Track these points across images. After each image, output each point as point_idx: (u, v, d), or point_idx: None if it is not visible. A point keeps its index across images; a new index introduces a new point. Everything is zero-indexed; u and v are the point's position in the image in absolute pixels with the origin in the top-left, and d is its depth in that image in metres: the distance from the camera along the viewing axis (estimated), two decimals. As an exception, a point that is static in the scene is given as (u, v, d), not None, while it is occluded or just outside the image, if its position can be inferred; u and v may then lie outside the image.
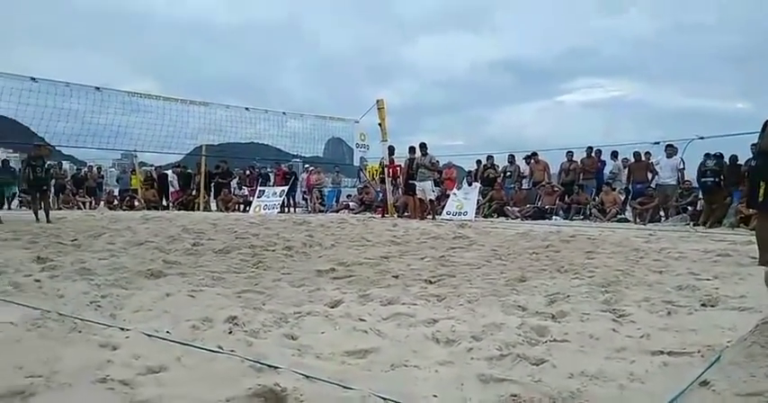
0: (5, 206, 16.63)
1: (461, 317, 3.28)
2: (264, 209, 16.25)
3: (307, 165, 20.35)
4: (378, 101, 15.20)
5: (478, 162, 17.04)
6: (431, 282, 4.49)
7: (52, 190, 14.93)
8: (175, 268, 5.05)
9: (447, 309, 3.51)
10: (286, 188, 17.18)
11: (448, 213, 13.95)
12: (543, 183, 15.09)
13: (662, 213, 13.17)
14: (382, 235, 8.61)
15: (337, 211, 17.14)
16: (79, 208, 17.58)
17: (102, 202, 19.00)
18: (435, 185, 14.37)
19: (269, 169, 19.67)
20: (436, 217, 13.60)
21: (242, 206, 17.82)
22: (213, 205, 18.17)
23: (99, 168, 22.36)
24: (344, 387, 2.15)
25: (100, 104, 14.82)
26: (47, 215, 10.89)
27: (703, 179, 12.05)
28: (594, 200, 13.80)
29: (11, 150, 30.98)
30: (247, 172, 19.48)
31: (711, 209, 11.62)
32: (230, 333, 2.92)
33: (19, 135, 19.92)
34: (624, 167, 14.60)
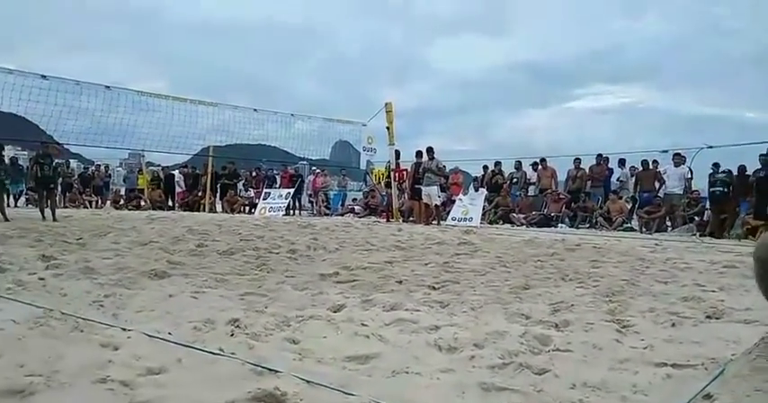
0: (13, 203, 16.75)
1: (464, 324, 3.27)
2: (270, 211, 16.27)
3: (313, 168, 20.37)
4: (386, 104, 15.20)
5: (485, 167, 16.99)
6: (434, 288, 4.48)
7: (59, 188, 14.98)
8: (179, 269, 5.06)
9: (450, 316, 3.50)
10: (292, 190, 17.20)
11: (453, 219, 13.92)
12: (550, 190, 15.04)
13: (668, 223, 13.10)
14: (387, 239, 8.60)
15: (342, 215, 17.14)
16: (86, 207, 17.66)
17: (108, 202, 19.08)
18: (441, 190, 14.34)
19: (275, 171, 19.70)
20: (441, 222, 13.57)
21: (248, 208, 17.85)
22: (219, 206, 18.20)
23: (106, 167, 22.48)
24: (345, 393, 2.14)
25: (109, 103, 14.88)
26: (53, 213, 10.94)
27: (713, 188, 11.97)
28: (601, 208, 13.74)
29: (19, 148, 31.16)
30: (254, 173, 19.52)
31: (719, 219, 11.55)
32: (232, 335, 2.92)
33: (28, 133, 20.03)
34: (632, 176, 14.54)
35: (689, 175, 13.28)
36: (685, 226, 12.47)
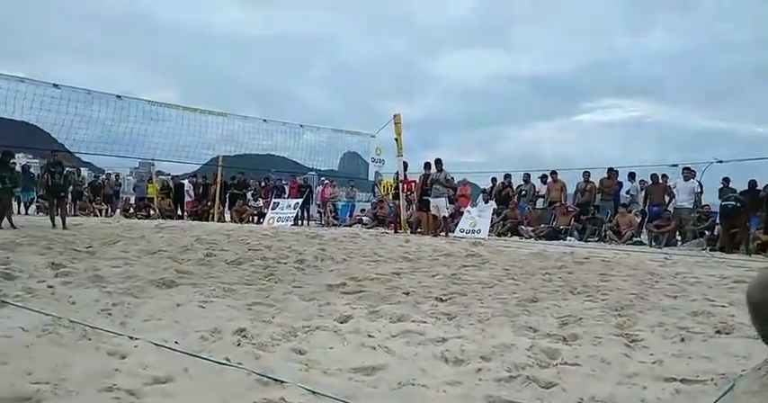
0: (23, 211, 16.88)
1: (471, 336, 3.26)
2: (278, 221, 16.30)
3: (322, 179, 20.41)
4: (395, 115, 15.25)
5: (494, 180, 16.97)
6: (441, 300, 4.47)
7: (70, 196, 15.08)
8: (187, 278, 5.07)
9: (457, 328, 3.49)
10: (300, 201, 17.24)
11: (461, 231, 13.89)
12: (558, 202, 14.98)
13: (678, 237, 13.01)
14: (394, 251, 8.59)
15: (350, 226, 17.14)
16: (95, 215, 17.75)
17: (118, 210, 19.20)
18: (450, 202, 14.32)
19: (284, 181, 19.76)
20: (449, 234, 13.55)
21: (256, 217, 17.89)
22: (228, 216, 18.26)
23: (117, 176, 22.65)
24: (350, 404, 2.14)
25: (120, 112, 14.96)
26: (63, 221, 11.01)
27: (725, 203, 11.87)
28: (610, 221, 13.67)
29: (31, 156, 31.41)
30: (262, 183, 19.59)
31: (729, 234, 11.45)
32: (239, 345, 2.92)
33: (40, 141, 20.20)
34: (641, 189, 14.47)
35: (698, 190, 13.21)
36: (695, 240, 12.39)
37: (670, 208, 13.28)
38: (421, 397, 2.28)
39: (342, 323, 3.56)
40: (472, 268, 6.67)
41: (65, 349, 2.69)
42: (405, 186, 15.03)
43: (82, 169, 26.55)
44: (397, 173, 15.46)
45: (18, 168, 17.79)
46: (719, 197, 12.36)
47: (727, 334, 3.49)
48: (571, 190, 15.38)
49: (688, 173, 13.26)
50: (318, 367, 2.62)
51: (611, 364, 2.75)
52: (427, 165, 14.33)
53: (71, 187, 15.25)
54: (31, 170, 20.04)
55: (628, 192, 14.74)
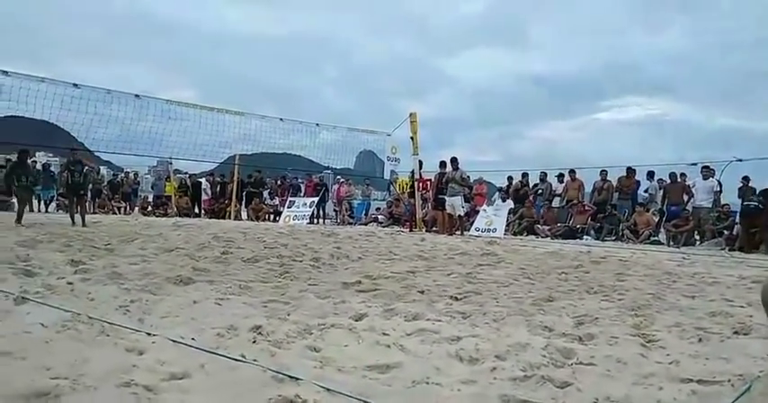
0: (44, 209, 17.12)
1: (486, 335, 3.25)
2: (294, 219, 16.36)
3: (338, 177, 20.45)
4: (411, 114, 15.24)
5: (510, 178, 16.90)
6: (456, 299, 4.46)
7: (89, 194, 15.26)
8: (204, 275, 5.12)
9: (472, 327, 3.48)
10: (316, 199, 17.29)
11: (477, 229, 13.84)
12: (575, 201, 14.87)
13: (697, 237, 12.86)
14: (409, 249, 8.59)
15: (366, 224, 17.16)
16: (114, 213, 17.94)
17: (136, 208, 19.39)
18: (465, 201, 14.28)
19: (300, 180, 19.82)
20: (465, 233, 13.51)
21: (272, 216, 17.98)
22: (244, 214, 18.38)
23: (135, 174, 22.88)
24: (365, 402, 2.14)
25: (139, 112, 15.09)
26: (83, 219, 11.14)
27: (746, 202, 11.70)
28: (628, 220, 13.54)
29: (51, 154, 31.84)
30: (279, 182, 19.68)
31: (749, 233, 11.29)
32: (254, 342, 2.94)
33: (60, 140, 20.44)
34: (660, 188, 14.32)
35: (717, 188, 13.03)
36: (714, 240, 12.23)
37: (689, 207, 13.12)
38: (435, 395, 2.28)
39: (357, 321, 3.57)
40: (487, 267, 6.65)
41: (83, 345, 2.73)
42: (420, 185, 15.02)
43: (101, 167, 26.83)
44: (413, 171, 15.46)
45: (39, 167, 18.09)
46: (739, 196, 12.17)
47: (745, 335, 3.45)
48: (588, 189, 15.26)
49: (707, 171, 13.08)
50: (333, 364, 2.64)
51: (627, 364, 2.73)
52: (443, 164, 14.31)
53: (90, 185, 15.42)
54: (52, 168, 20.30)
55: (646, 191, 14.58)
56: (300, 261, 6.51)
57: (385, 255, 7.57)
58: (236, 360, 2.58)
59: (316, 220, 17.20)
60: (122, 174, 22.25)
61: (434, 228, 14.18)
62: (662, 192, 14.10)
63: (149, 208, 19.13)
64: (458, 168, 13.73)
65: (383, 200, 20.31)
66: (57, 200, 17.89)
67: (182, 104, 16.00)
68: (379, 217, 17.70)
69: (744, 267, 7.76)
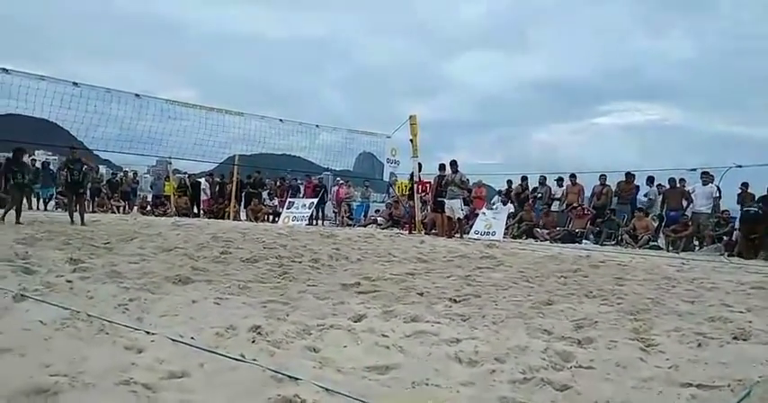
0: (43, 207, 17.10)
1: (485, 338, 3.25)
2: (293, 220, 16.34)
3: (337, 179, 20.44)
4: (410, 117, 15.24)
5: (509, 182, 16.91)
6: (455, 301, 4.46)
7: (88, 193, 15.24)
8: (203, 275, 5.12)
9: (471, 329, 3.48)
10: (315, 200, 17.28)
11: (476, 232, 13.84)
12: (574, 205, 14.88)
13: (696, 242, 12.86)
14: (409, 251, 8.58)
15: (365, 226, 17.14)
16: (113, 212, 17.92)
17: (135, 207, 19.37)
18: (465, 204, 14.28)
19: (299, 181, 19.81)
20: (464, 235, 13.51)
21: (271, 216, 17.97)
22: (243, 214, 18.37)
23: (134, 174, 22.86)
24: (364, 402, 2.14)
25: (139, 111, 15.05)
26: (81, 218, 11.12)
27: (746, 208, 11.70)
28: (627, 225, 13.54)
29: (50, 153, 31.81)
30: (278, 183, 19.67)
31: (749, 239, 11.30)
32: (253, 342, 2.94)
33: (59, 138, 20.42)
34: (659, 193, 14.32)
35: (717, 194, 13.03)
36: (713, 245, 12.22)
37: (688, 212, 13.13)
38: (434, 397, 2.28)
39: (356, 322, 3.57)
40: (487, 270, 6.65)
41: (82, 343, 2.72)
42: (419, 187, 15.02)
43: (100, 166, 26.81)
44: (412, 174, 15.45)
45: (38, 165, 18.07)
46: (738, 202, 12.16)
47: (744, 340, 3.45)
48: (588, 193, 15.27)
49: (707, 177, 13.08)
50: (332, 365, 2.63)
51: (627, 368, 2.73)
52: (442, 167, 14.31)
53: (89, 184, 15.40)
54: (51, 167, 20.29)
55: (646, 196, 14.58)
56: (299, 262, 6.51)
57: (384, 257, 7.56)
58: (235, 359, 2.58)
59: (315, 222, 17.19)
60: (121, 174, 22.21)
61: (434, 231, 14.17)
62: (661, 197, 14.10)
63: (148, 207, 19.11)
64: (457, 171, 13.73)
65: (382, 202, 20.30)
66: (56, 198, 17.88)
67: (182, 104, 15.99)
68: (379, 219, 17.68)
69: (743, 273, 7.77)
